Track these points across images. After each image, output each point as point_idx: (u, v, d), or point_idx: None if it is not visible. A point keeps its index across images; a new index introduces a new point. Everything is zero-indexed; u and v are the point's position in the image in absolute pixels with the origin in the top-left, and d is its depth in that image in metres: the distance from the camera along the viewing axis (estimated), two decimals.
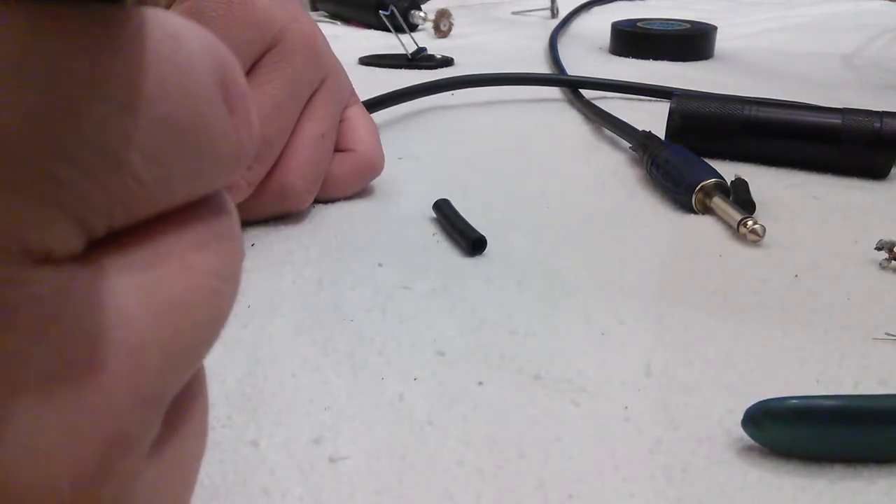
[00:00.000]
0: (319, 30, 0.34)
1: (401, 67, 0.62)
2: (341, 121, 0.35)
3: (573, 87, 0.52)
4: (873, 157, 0.38)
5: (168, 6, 0.30)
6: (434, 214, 0.33)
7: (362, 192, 0.36)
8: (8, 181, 0.09)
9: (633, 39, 0.67)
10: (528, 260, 0.30)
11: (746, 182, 0.36)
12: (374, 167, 0.35)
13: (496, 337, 0.25)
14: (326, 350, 0.24)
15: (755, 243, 0.31)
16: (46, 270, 0.09)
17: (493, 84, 0.51)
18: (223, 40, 0.11)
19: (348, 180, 0.35)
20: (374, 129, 0.36)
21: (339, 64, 0.35)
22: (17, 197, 0.09)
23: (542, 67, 0.62)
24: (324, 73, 0.33)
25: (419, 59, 0.62)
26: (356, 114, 0.36)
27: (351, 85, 0.37)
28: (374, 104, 0.44)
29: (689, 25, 0.69)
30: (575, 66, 0.60)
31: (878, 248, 0.29)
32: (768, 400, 0.20)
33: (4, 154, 0.09)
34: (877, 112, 0.38)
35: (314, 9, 0.88)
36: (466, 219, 0.31)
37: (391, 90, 0.46)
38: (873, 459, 0.19)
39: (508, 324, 0.26)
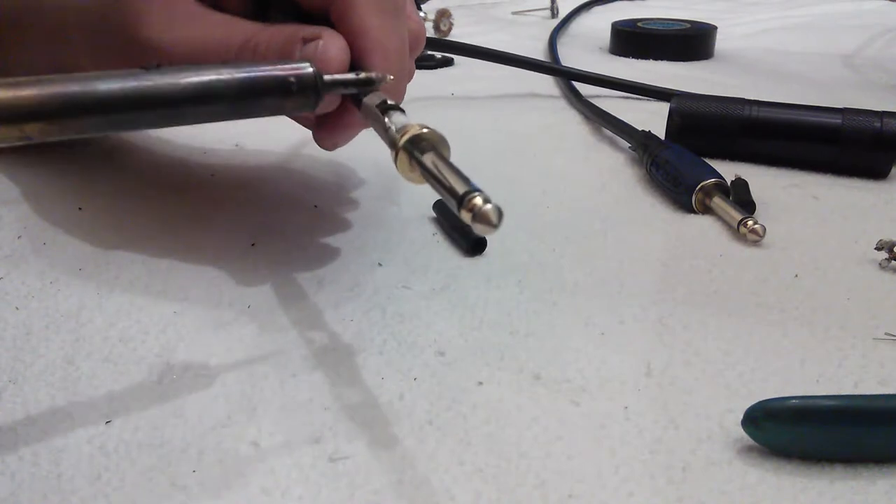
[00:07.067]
0: None
1: None
2: None
3: (567, 77, 0.53)
4: (873, 157, 0.38)
5: None
6: (434, 214, 0.33)
7: (362, 191, 0.36)
8: None
9: (633, 39, 0.67)
10: (528, 260, 0.30)
11: (746, 182, 0.36)
12: None
13: (496, 337, 0.25)
14: (327, 350, 0.24)
15: (755, 243, 0.31)
16: None
17: (484, 58, 0.54)
18: None
19: None
20: None
21: None
22: None
23: None
24: None
25: (419, 59, 0.62)
26: None
27: None
28: None
29: (688, 25, 0.69)
30: (575, 66, 0.60)
31: (878, 248, 0.29)
32: (768, 400, 0.20)
33: None
34: (877, 112, 0.38)
35: None
36: None
37: None
38: (873, 459, 0.19)
39: (508, 324, 0.26)
